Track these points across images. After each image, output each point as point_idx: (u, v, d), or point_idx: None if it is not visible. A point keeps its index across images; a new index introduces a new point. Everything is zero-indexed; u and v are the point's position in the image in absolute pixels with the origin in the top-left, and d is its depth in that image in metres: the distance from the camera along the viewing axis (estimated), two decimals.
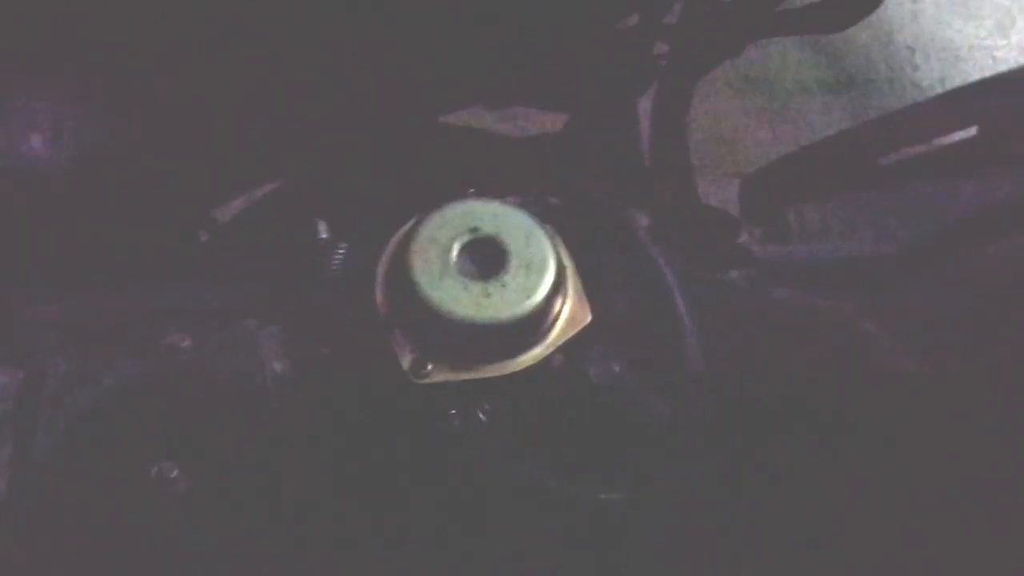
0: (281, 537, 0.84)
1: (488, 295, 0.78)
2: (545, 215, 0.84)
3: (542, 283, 0.79)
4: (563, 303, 0.81)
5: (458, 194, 0.85)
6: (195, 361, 0.86)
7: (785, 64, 2.47)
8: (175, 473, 0.82)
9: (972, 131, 1.53)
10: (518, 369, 0.79)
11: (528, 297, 0.78)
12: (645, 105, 1.17)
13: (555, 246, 0.81)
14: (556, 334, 0.81)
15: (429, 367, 0.78)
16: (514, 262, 0.79)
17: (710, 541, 0.83)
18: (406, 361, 0.78)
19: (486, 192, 0.87)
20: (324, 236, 0.91)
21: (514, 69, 1.03)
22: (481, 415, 0.81)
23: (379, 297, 0.81)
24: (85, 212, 0.94)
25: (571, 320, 0.81)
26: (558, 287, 0.80)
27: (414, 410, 0.80)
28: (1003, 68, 2.72)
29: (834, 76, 2.56)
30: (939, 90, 2.69)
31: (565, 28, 1.00)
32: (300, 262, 0.90)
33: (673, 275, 0.81)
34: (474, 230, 0.80)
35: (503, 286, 0.78)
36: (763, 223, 1.55)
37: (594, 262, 0.85)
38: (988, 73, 2.73)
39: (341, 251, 0.89)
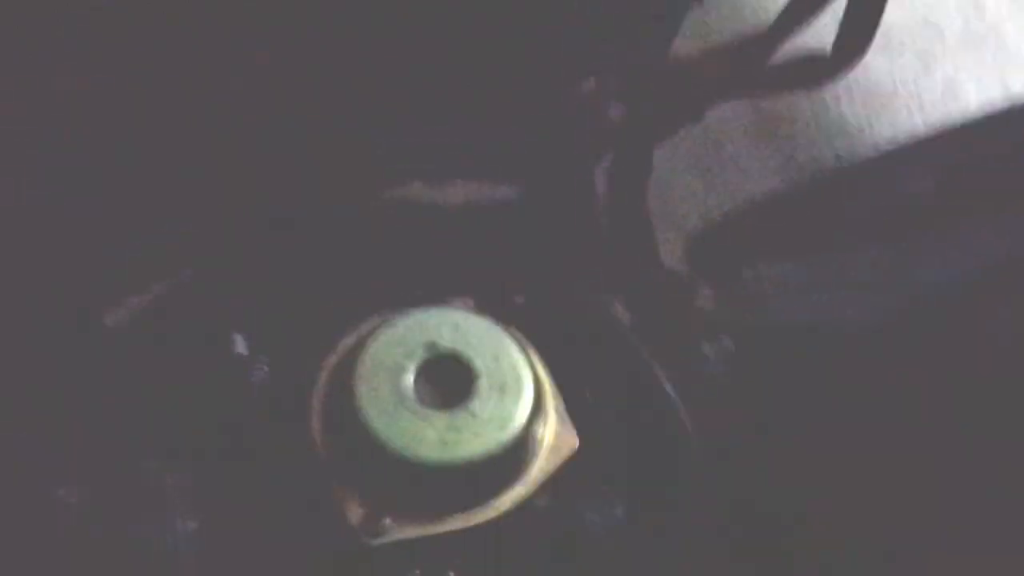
0: None
1: (456, 429, 0.63)
2: (509, 318, 0.69)
3: (519, 407, 0.64)
4: (544, 428, 0.66)
5: (404, 298, 0.70)
6: (87, 519, 0.69)
7: (711, 111, 2.37)
8: None
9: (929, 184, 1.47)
10: (495, 516, 0.63)
11: (504, 427, 0.63)
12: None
13: (529, 358, 0.66)
14: (538, 467, 0.65)
15: (386, 522, 0.63)
16: (483, 384, 0.64)
17: None
18: (355, 516, 0.63)
19: (434, 288, 0.72)
20: (242, 352, 0.75)
21: (460, 138, 0.88)
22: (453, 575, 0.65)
23: (316, 434, 0.64)
24: None
25: (555, 448, 0.67)
26: (537, 410, 0.65)
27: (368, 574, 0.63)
28: (929, 107, 2.67)
29: (760, 121, 2.47)
30: (866, 131, 2.62)
31: (517, 93, 0.85)
32: (212, 385, 0.73)
33: (675, 388, 0.66)
34: (431, 346, 0.65)
35: (473, 416, 0.63)
36: (717, 282, 1.45)
37: (573, 372, 0.70)
38: (916, 113, 2.67)
39: (263, 369, 0.73)
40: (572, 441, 0.67)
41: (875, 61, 2.67)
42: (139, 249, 0.89)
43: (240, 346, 0.75)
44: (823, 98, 2.61)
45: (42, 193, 0.84)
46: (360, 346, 0.66)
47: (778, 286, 1.37)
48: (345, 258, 0.83)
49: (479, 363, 0.65)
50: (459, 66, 0.84)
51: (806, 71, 1.05)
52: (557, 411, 0.68)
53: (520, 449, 0.65)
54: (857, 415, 0.91)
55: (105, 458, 0.73)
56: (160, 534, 0.67)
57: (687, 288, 1.29)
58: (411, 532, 0.64)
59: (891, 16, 2.67)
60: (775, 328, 1.20)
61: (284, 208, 0.85)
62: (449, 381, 0.65)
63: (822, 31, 1.15)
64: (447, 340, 0.66)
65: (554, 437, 0.67)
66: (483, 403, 0.64)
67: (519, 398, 0.65)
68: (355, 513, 0.63)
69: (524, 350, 0.67)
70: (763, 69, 1.07)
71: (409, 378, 0.64)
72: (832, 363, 1.04)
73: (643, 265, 1.04)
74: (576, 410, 0.69)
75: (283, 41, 0.82)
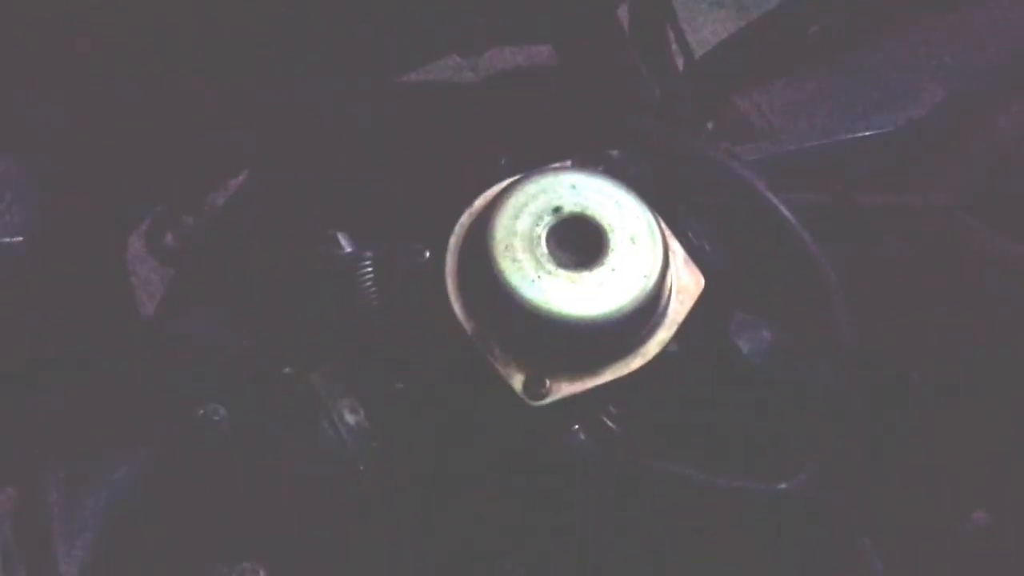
0: None
1: (600, 284, 0.65)
2: (615, 173, 0.71)
3: (653, 254, 0.66)
4: (672, 272, 0.68)
5: (493, 172, 0.71)
6: (240, 432, 0.70)
7: None
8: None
9: None
10: (644, 363, 0.66)
11: (644, 275, 0.66)
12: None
13: (650, 208, 0.68)
14: (675, 311, 0.68)
15: (547, 384, 0.65)
16: (615, 237, 0.66)
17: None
18: (518, 383, 0.65)
19: (520, 159, 0.73)
20: (349, 249, 0.76)
21: (485, 6, 0.88)
22: (609, 422, 0.68)
23: (459, 313, 0.66)
24: (42, 277, 0.77)
25: (685, 290, 0.69)
26: (666, 257, 0.67)
27: (534, 436, 0.66)
28: None
29: None
30: None
31: None
32: (327, 284, 0.75)
33: (792, 214, 0.68)
34: (557, 210, 0.67)
35: (613, 270, 0.65)
36: (714, 114, 1.46)
37: (674, 213, 0.72)
38: None
39: (369, 264, 0.74)
40: (699, 280, 0.70)
41: None
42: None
43: (346, 244, 0.76)
44: None
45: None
46: (486, 222, 0.67)
47: (773, 111, 1.39)
48: (422, 139, 0.83)
49: (606, 219, 0.67)
50: None
51: None
52: (679, 254, 0.70)
53: (657, 297, 0.67)
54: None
55: (240, 369, 0.75)
56: (326, 433, 0.68)
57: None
58: (571, 389, 0.66)
59: None
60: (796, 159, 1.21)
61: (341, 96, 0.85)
62: (581, 240, 0.66)
63: None
64: (570, 202, 0.67)
65: (682, 280, 0.69)
66: (619, 256, 0.66)
67: (652, 246, 0.67)
68: (517, 380, 0.65)
69: (641, 199, 0.68)
70: None
71: (543, 244, 0.66)
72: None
73: (677, 96, 1.05)
74: (693, 252, 0.71)
75: None
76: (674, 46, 1.07)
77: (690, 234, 0.74)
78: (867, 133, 1.20)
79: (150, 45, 0.76)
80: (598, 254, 0.66)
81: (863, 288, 0.78)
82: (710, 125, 1.40)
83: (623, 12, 1.02)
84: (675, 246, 0.70)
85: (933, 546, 0.74)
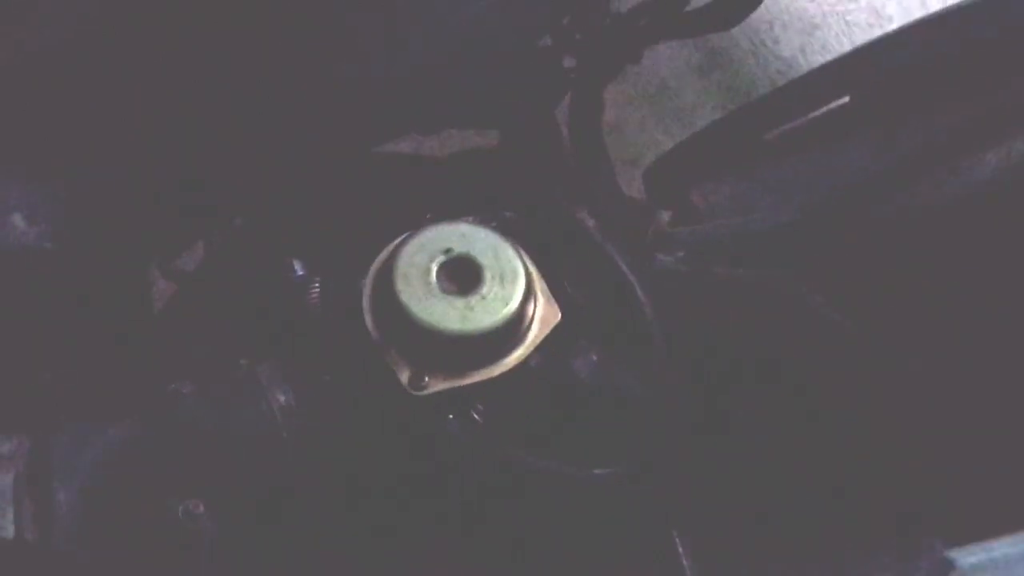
0: (303, 552, 0.91)
1: (471, 308, 0.86)
2: (504, 228, 0.93)
3: (516, 291, 0.88)
4: (535, 306, 0.90)
5: (421, 221, 0.94)
6: (200, 404, 0.93)
7: (656, 52, 2.59)
8: (201, 509, 0.89)
9: (844, 100, 1.67)
10: (504, 371, 0.88)
11: (506, 305, 0.87)
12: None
13: (520, 255, 0.90)
14: (533, 335, 0.89)
15: (426, 379, 0.87)
16: (488, 275, 0.88)
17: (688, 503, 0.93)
18: (405, 377, 0.87)
19: (445, 216, 0.95)
20: (300, 273, 0.98)
21: (445, 98, 1.11)
22: (476, 415, 0.89)
23: (370, 323, 0.88)
24: (67, 281, 1.00)
25: (544, 321, 0.90)
26: (529, 292, 0.89)
27: (415, 419, 0.88)
28: (857, 31, 2.89)
29: (702, 57, 2.69)
30: (800, 59, 2.83)
31: (489, 56, 1.08)
32: (282, 300, 0.97)
33: (627, 267, 0.90)
34: (448, 251, 0.89)
35: (483, 298, 0.87)
36: (671, 206, 1.66)
37: (552, 264, 0.94)
38: (844, 37, 2.89)
39: (316, 285, 0.97)
40: (556, 315, 0.91)
41: None
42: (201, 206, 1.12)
43: (299, 268, 1.00)
44: (758, 31, 2.84)
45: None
46: (394, 255, 0.89)
47: (721, 204, 1.61)
48: (372, 196, 1.06)
49: (483, 261, 0.89)
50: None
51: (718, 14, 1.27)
52: (543, 293, 0.92)
53: (518, 322, 0.89)
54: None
55: (207, 359, 0.97)
56: (263, 408, 0.91)
57: (645, 213, 1.54)
58: (443, 385, 0.87)
59: None
60: (717, 237, 1.43)
61: (319, 161, 1.08)
62: (463, 275, 0.88)
63: None
64: (459, 246, 0.89)
65: (543, 312, 0.91)
66: (489, 289, 0.88)
67: (515, 284, 0.88)
68: (404, 375, 0.87)
69: (516, 248, 0.90)
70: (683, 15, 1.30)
71: (433, 275, 0.88)
72: (755, 257, 1.25)
73: (602, 186, 1.28)
74: (557, 292, 0.93)
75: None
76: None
77: (564, 281, 0.96)
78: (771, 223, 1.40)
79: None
80: (474, 286, 0.88)
81: (710, 339, 1.00)
82: (664, 214, 1.63)
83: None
84: (541, 286, 0.92)
85: (742, 544, 0.94)
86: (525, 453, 0.88)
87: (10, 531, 0.87)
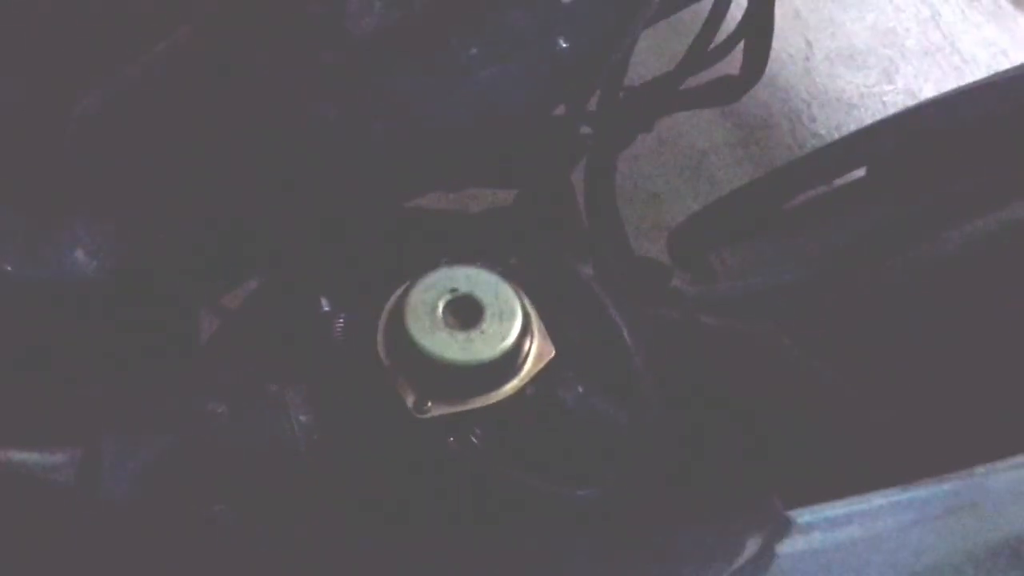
0: (317, 556, 1.02)
1: (471, 341, 0.97)
2: (508, 273, 1.04)
3: (513, 328, 0.98)
4: (531, 343, 1.01)
5: (435, 264, 1.05)
6: (232, 423, 1.05)
7: (695, 126, 2.71)
8: (228, 513, 1.00)
9: (861, 172, 1.77)
10: (500, 399, 0.99)
11: (503, 340, 0.98)
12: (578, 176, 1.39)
13: (520, 297, 1.01)
14: (528, 368, 1.00)
15: (428, 404, 0.98)
16: (488, 313, 0.99)
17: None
18: (409, 401, 0.98)
19: (457, 260, 1.07)
20: (326, 309, 1.10)
21: (469, 161, 1.23)
22: (474, 439, 1.00)
23: (381, 351, 1.00)
24: (121, 318, 1.12)
25: (538, 355, 1.01)
26: (526, 330, 1.00)
27: (419, 440, 0.99)
28: (891, 111, 2.98)
29: (739, 133, 2.80)
30: (835, 136, 2.93)
31: (510, 126, 1.20)
32: (309, 332, 1.09)
33: (615, 310, 1.01)
34: (454, 290, 1.00)
35: (482, 333, 0.98)
36: (691, 268, 1.77)
37: (551, 307, 1.05)
38: (879, 117, 2.99)
39: (341, 320, 1.09)
40: (550, 351, 1.02)
41: (844, 76, 3.01)
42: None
43: (325, 305, 1.12)
44: (796, 109, 2.95)
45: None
46: (407, 293, 1.01)
47: (737, 267, 1.71)
48: (388, 244, 1.19)
49: (485, 299, 1.00)
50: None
51: (722, 89, 1.38)
52: (540, 331, 1.02)
53: (515, 355, 0.99)
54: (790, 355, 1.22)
55: (241, 384, 1.09)
56: (285, 427, 1.02)
57: (666, 273, 1.64)
58: (445, 410, 0.98)
59: (854, 31, 3.02)
60: (722, 295, 1.53)
61: (344, 213, 1.21)
62: (466, 312, 0.99)
63: None
64: (463, 286, 1.01)
65: (538, 348, 1.02)
66: (489, 325, 0.99)
67: (513, 322, 0.99)
68: (409, 399, 0.98)
69: (516, 290, 1.01)
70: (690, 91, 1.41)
71: (440, 311, 0.99)
72: (771, 316, 1.35)
73: (613, 246, 1.39)
74: (552, 331, 1.04)
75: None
76: None
77: (559, 321, 1.07)
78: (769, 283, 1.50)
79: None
80: (475, 322, 0.99)
81: (692, 379, 1.10)
82: (684, 275, 1.73)
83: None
84: (538, 325, 1.03)
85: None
86: (517, 472, 0.99)
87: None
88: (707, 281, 1.76)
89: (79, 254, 1.08)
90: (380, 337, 1.01)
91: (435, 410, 0.97)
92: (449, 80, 1.12)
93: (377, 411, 1.00)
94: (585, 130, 1.35)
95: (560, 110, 1.29)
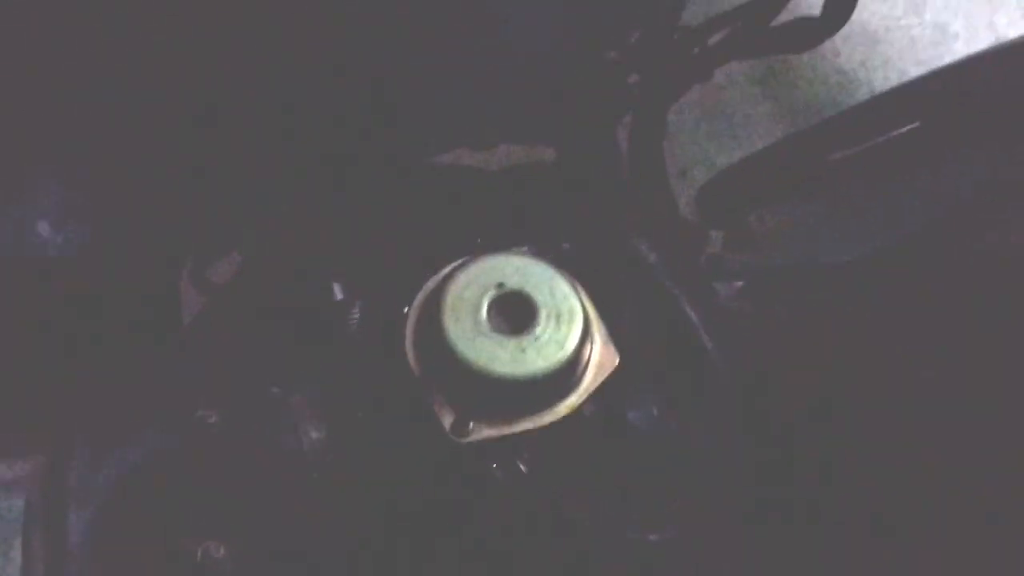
0: None
1: (523, 350, 0.79)
2: (561, 261, 0.86)
3: (573, 333, 0.81)
4: (591, 349, 0.83)
5: (470, 248, 0.87)
6: (226, 433, 0.86)
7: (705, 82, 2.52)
8: (221, 552, 0.82)
9: (914, 126, 1.59)
10: (554, 419, 0.81)
11: (562, 348, 0.80)
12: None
13: (577, 292, 0.83)
14: (588, 381, 0.82)
15: (471, 426, 0.80)
16: (543, 314, 0.81)
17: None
18: (447, 422, 0.80)
19: (493, 241, 0.88)
20: (340, 297, 0.92)
21: (505, 109, 1.04)
22: (522, 466, 0.82)
23: (411, 358, 0.82)
24: (90, 295, 0.94)
25: (600, 366, 0.83)
26: (586, 335, 0.82)
27: (456, 467, 0.81)
28: (920, 48, 2.80)
29: (760, 67, 2.62)
30: (860, 73, 2.75)
31: (547, 66, 1.02)
32: (319, 324, 0.91)
33: (694, 311, 0.83)
34: (500, 286, 0.82)
35: (536, 340, 0.80)
36: (725, 227, 1.59)
37: (611, 303, 0.87)
38: (907, 53, 2.80)
39: (357, 311, 0.90)
40: (614, 359, 0.84)
41: (868, 7, 2.81)
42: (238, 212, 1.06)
43: (338, 292, 0.93)
44: (819, 47, 2.74)
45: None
46: (441, 287, 0.82)
47: (780, 229, 1.53)
48: (419, 218, 1.00)
49: (538, 298, 0.82)
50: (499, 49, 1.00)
51: (800, 34, 1.20)
52: (601, 335, 0.85)
53: (574, 366, 0.82)
54: (851, 342, 1.05)
55: (235, 384, 0.91)
56: (292, 442, 0.84)
57: (698, 234, 1.46)
58: (489, 433, 0.80)
59: None
60: (777, 268, 1.36)
61: (361, 177, 1.02)
62: (515, 312, 0.81)
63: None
64: (512, 280, 0.82)
65: (599, 356, 0.84)
66: (543, 329, 0.81)
67: (572, 325, 0.81)
68: (447, 419, 0.80)
69: (573, 285, 0.83)
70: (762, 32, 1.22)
71: (484, 311, 0.81)
72: (827, 296, 1.18)
73: (662, 212, 1.21)
74: (616, 334, 0.86)
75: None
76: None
77: (623, 322, 0.89)
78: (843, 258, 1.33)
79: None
80: (527, 326, 0.81)
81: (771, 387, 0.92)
82: (717, 235, 1.55)
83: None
84: (599, 327, 0.85)
85: None
86: (573, 508, 0.81)
87: (17, 564, 0.80)
88: (745, 244, 1.58)
89: (43, 227, 0.89)
90: (409, 339, 0.82)
91: (477, 433, 0.80)
92: (495, 17, 0.93)
93: (405, 430, 0.82)
94: (633, 78, 1.16)
95: (611, 57, 1.10)
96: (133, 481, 0.88)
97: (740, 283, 1.19)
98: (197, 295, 1.09)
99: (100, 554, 0.84)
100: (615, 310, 0.87)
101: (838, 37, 2.83)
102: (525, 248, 0.87)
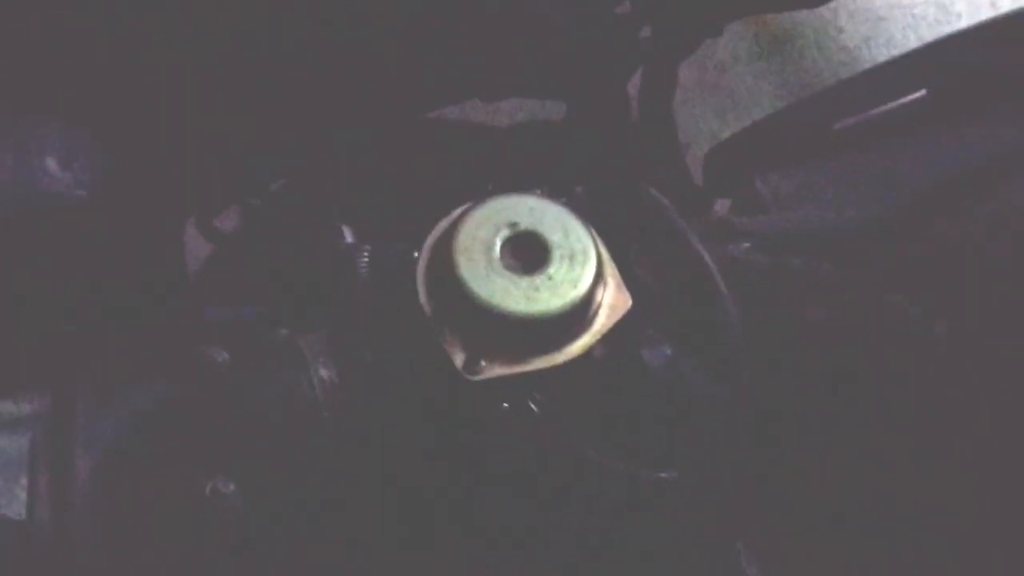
0: (339, 543, 0.84)
1: (536, 289, 0.79)
2: (575, 204, 0.85)
3: (586, 273, 0.80)
4: (604, 291, 0.82)
5: (482, 191, 0.86)
6: (235, 373, 0.86)
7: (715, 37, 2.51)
8: (231, 488, 0.82)
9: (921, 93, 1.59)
10: (567, 359, 0.80)
11: (575, 288, 0.80)
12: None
13: (592, 235, 0.82)
14: (601, 323, 0.82)
15: (482, 364, 0.79)
16: (556, 254, 0.80)
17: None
18: (459, 360, 0.79)
19: (504, 186, 0.88)
20: (349, 240, 0.91)
21: (509, 62, 1.04)
22: (533, 406, 0.82)
23: (423, 298, 0.81)
24: (100, 235, 0.93)
25: (613, 307, 0.83)
26: (600, 276, 0.81)
27: (467, 406, 0.80)
28: (923, 26, 2.79)
29: (764, 43, 2.61)
30: (863, 50, 2.75)
31: (558, 21, 1.01)
32: (328, 268, 0.90)
33: (708, 255, 0.82)
34: (513, 225, 0.81)
35: (549, 279, 0.79)
36: (732, 194, 1.58)
37: (625, 246, 0.86)
38: (910, 31, 2.79)
39: (367, 254, 0.90)
40: (627, 302, 0.84)
41: None
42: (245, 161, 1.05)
43: (348, 236, 0.92)
44: (823, 20, 2.75)
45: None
46: (454, 227, 0.82)
47: (787, 193, 1.52)
48: (430, 161, 0.99)
49: (552, 238, 0.81)
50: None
51: None
52: (614, 277, 0.84)
53: (586, 307, 0.81)
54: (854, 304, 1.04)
55: (246, 327, 0.90)
56: (301, 382, 0.84)
57: (703, 199, 1.45)
58: (500, 371, 0.80)
59: None
60: (788, 229, 1.35)
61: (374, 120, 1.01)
62: (528, 252, 0.81)
63: None
64: (525, 220, 0.82)
65: (612, 299, 0.83)
66: (557, 269, 0.80)
67: (585, 265, 0.81)
68: (459, 357, 0.80)
69: (587, 227, 0.83)
70: None
71: (497, 250, 0.80)
72: (832, 260, 1.17)
73: (670, 169, 1.20)
74: (628, 277, 0.85)
75: None
76: None
77: (636, 265, 0.89)
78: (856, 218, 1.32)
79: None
80: (540, 265, 0.81)
81: (779, 341, 0.92)
82: (722, 204, 1.55)
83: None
84: (612, 270, 0.84)
85: (808, 556, 0.87)
86: (584, 447, 0.81)
87: (22, 501, 0.80)
88: (752, 210, 1.58)
89: (50, 164, 0.88)
90: (421, 279, 0.82)
91: (489, 371, 0.79)
92: None
93: (416, 369, 0.82)
94: (645, 33, 1.15)
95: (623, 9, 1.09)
96: (140, 421, 0.87)
97: (746, 243, 1.18)
98: (203, 244, 1.08)
99: (108, 493, 0.84)
100: (628, 254, 0.87)
101: (842, 14, 2.83)
102: (538, 191, 0.86)
